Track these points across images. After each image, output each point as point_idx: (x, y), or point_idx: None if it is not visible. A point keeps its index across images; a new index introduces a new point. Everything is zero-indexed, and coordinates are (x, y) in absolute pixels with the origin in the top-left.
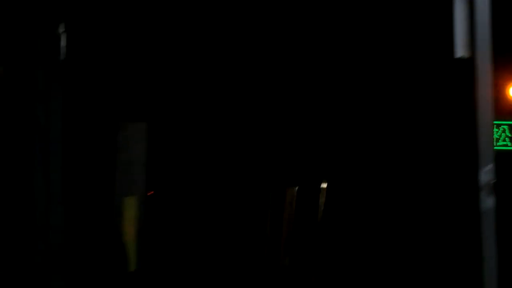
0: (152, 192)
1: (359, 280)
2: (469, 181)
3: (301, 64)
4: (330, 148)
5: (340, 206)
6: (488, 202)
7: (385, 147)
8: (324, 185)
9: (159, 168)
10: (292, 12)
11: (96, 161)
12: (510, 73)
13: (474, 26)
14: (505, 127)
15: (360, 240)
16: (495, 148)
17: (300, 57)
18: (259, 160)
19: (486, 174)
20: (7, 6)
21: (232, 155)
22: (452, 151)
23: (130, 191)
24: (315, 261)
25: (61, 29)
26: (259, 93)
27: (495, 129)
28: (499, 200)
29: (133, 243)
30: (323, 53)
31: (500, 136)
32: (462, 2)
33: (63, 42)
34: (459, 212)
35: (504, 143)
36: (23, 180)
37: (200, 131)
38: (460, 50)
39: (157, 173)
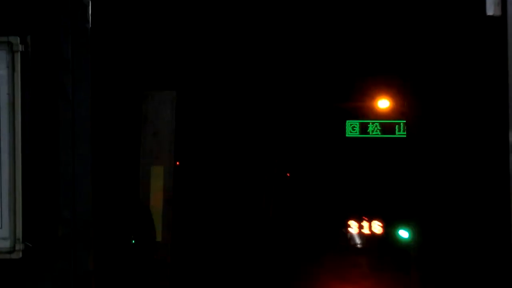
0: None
1: None
2: (499, 141)
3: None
4: None
5: None
6: None
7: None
8: None
9: (188, 138)
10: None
11: (123, 130)
12: None
13: None
14: None
15: None
16: None
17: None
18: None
19: None
20: None
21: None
22: (482, 111)
23: (157, 160)
24: None
25: None
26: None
27: None
28: None
29: (160, 212)
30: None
31: None
32: None
33: (90, 10)
34: (488, 173)
35: None
36: (49, 150)
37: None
38: (491, 8)
39: (185, 143)
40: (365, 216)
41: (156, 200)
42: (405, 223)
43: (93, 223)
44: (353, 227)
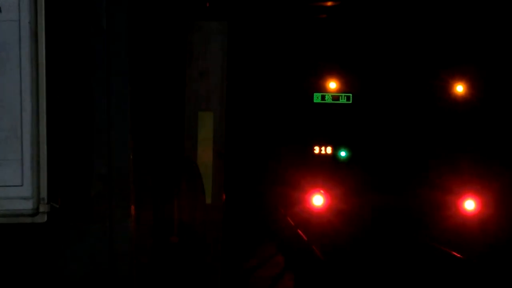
0: None
1: None
2: None
3: None
4: None
5: None
6: None
7: None
8: None
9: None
10: None
11: (165, 68)
12: None
13: None
14: None
15: None
16: None
17: None
18: None
19: None
20: None
21: None
22: None
23: (205, 105)
24: None
25: None
26: None
27: None
28: None
29: (210, 169)
30: None
31: None
32: None
33: None
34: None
35: None
36: (80, 90)
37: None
38: None
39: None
40: (323, 144)
41: (205, 153)
42: (343, 148)
43: (132, 177)
44: (316, 149)
